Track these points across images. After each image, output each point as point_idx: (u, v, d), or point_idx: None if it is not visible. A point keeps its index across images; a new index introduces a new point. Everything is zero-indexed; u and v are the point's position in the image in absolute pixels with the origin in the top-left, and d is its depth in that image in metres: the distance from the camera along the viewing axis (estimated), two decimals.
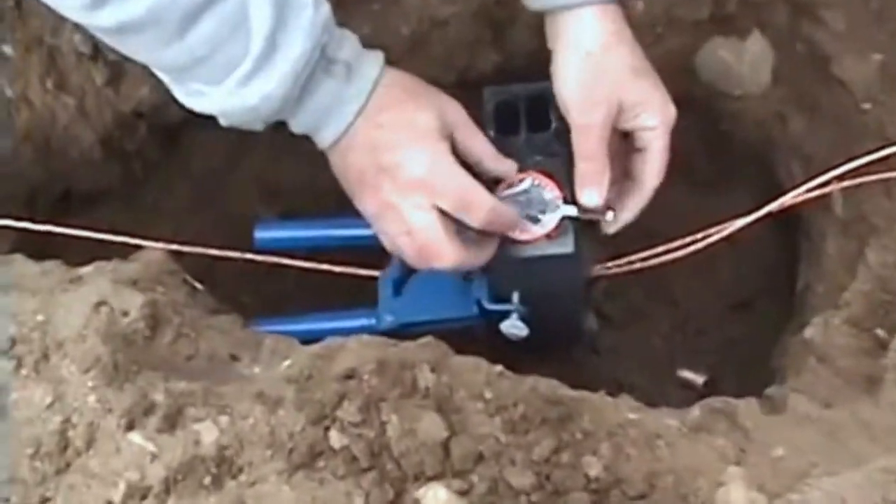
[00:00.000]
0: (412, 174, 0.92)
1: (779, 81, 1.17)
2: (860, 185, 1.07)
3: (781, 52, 1.16)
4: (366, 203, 0.96)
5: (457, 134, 0.96)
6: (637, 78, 0.98)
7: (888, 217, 1.06)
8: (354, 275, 1.20)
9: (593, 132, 0.97)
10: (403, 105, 0.93)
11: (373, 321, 1.12)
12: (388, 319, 1.11)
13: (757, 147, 1.22)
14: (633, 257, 1.14)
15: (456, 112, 0.96)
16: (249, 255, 1.18)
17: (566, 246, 1.01)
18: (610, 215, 1.03)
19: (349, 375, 0.90)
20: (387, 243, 0.99)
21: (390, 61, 1.17)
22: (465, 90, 1.21)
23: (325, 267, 1.18)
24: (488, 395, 0.90)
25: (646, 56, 1.00)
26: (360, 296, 1.17)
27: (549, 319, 1.08)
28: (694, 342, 1.30)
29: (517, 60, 1.19)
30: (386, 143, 0.92)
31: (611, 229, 1.05)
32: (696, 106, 1.23)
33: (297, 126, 0.93)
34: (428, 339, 0.95)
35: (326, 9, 0.89)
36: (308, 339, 1.09)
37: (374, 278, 1.15)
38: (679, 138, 1.13)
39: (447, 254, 0.95)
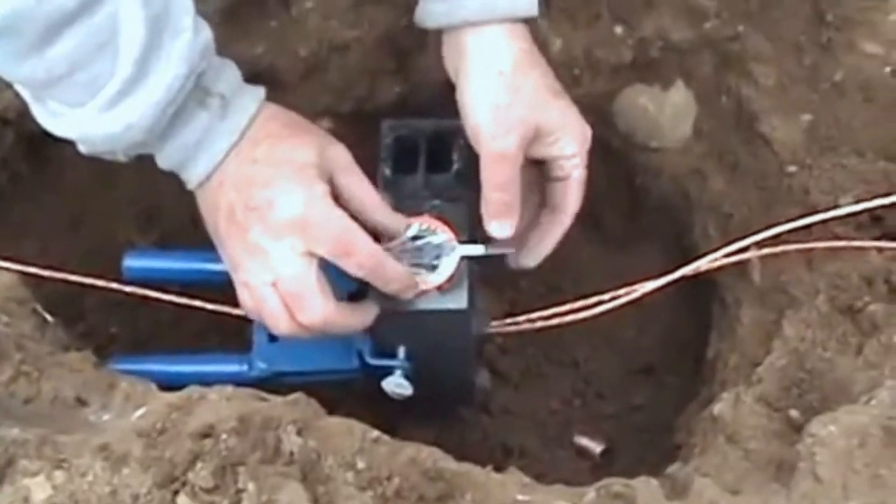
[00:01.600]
0: (286, 214, 0.82)
1: (700, 136, 1.10)
2: (780, 253, 1.00)
3: (705, 105, 1.09)
4: (231, 246, 0.85)
5: (340, 178, 0.86)
6: (555, 99, 0.90)
7: (808, 290, 0.98)
8: (229, 314, 1.09)
9: (507, 159, 0.88)
10: (281, 139, 0.84)
11: (245, 367, 1.01)
12: (261, 367, 1.01)
13: (672, 204, 1.14)
14: (534, 315, 1.06)
15: (339, 154, 0.87)
16: (115, 285, 1.06)
17: (459, 301, 0.92)
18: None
19: (206, 433, 0.80)
20: (246, 301, 0.88)
21: (284, 85, 1.08)
22: (362, 122, 1.12)
23: (196, 304, 1.07)
24: (360, 464, 0.80)
25: None
26: (236, 338, 1.06)
27: (438, 377, 0.99)
28: (593, 407, 1.21)
29: (422, 93, 1.09)
30: (259, 179, 0.82)
31: (530, 262, 0.98)
32: (611, 156, 1.15)
33: (163, 160, 0.83)
34: (297, 395, 0.86)
35: (207, 35, 0.80)
36: (172, 383, 1.01)
37: (251, 321, 1.04)
38: (590, 190, 1.06)
39: (316, 307, 0.84)
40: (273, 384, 1.02)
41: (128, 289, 1.07)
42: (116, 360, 1.03)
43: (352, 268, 0.84)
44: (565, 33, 1.06)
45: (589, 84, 1.09)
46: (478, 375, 1.19)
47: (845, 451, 0.82)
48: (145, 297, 1.07)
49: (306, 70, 1.07)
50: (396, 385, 0.95)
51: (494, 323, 1.07)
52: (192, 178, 0.84)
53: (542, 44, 1.04)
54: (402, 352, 0.95)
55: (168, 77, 0.76)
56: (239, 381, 1.00)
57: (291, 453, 0.79)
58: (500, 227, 0.90)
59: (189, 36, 0.77)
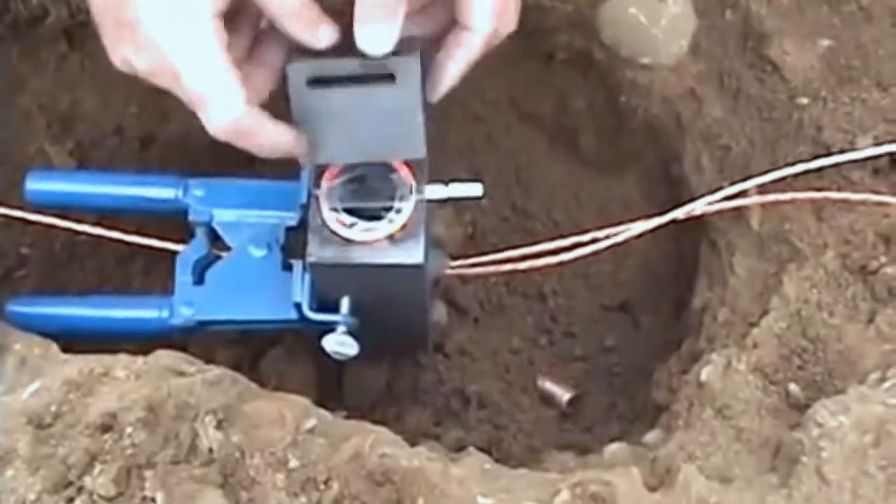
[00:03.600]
0: (154, 36, 0.68)
1: (698, 54, 0.94)
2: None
3: (706, 18, 0.93)
4: (111, 52, 0.73)
5: None
6: None
7: (815, 242, 0.86)
8: (148, 247, 0.95)
9: None
10: None
11: (165, 314, 0.87)
12: (183, 314, 0.87)
13: (661, 127, 1.00)
14: (500, 256, 0.92)
15: None
16: (13, 212, 0.92)
17: (414, 254, 0.78)
18: None
19: (107, 426, 0.68)
20: None
21: None
22: None
23: (109, 234, 0.93)
24: (293, 461, 0.69)
25: None
26: (165, 260, 0.93)
27: (387, 330, 0.87)
28: (560, 346, 1.09)
29: None
30: None
31: (430, 96, 0.75)
32: (592, 70, 1.00)
33: None
34: (219, 373, 0.73)
35: None
36: (81, 331, 0.89)
37: (174, 254, 0.90)
38: (567, 105, 0.91)
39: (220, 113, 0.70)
40: (198, 333, 0.89)
41: (31, 217, 0.92)
42: (19, 302, 0.89)
43: (207, 122, 0.70)
44: None
45: None
46: (433, 310, 1.06)
47: (857, 449, 0.72)
48: (52, 226, 0.93)
49: None
50: (339, 343, 0.82)
51: (455, 263, 0.94)
52: None
53: None
54: (345, 305, 0.82)
55: None
56: (158, 330, 0.88)
57: (210, 450, 0.68)
58: (371, 36, 0.69)
59: None
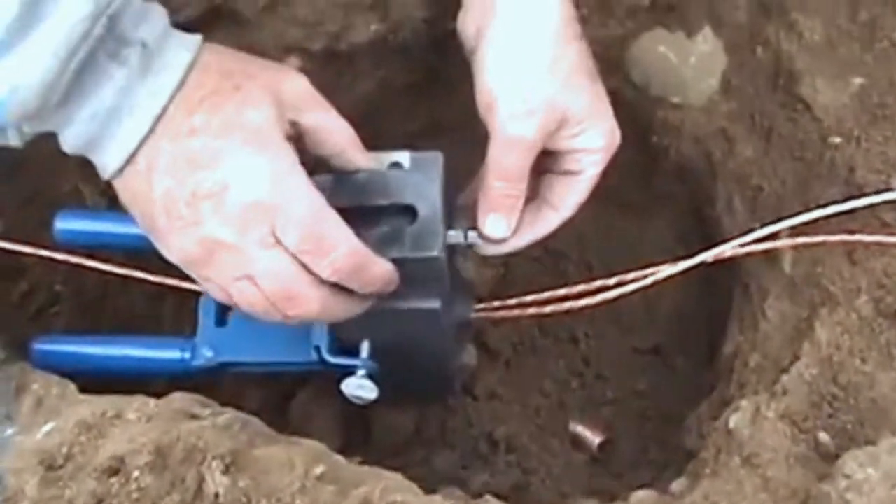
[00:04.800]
0: (248, 197, 0.65)
1: (729, 93, 0.93)
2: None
3: (737, 56, 0.91)
4: (178, 245, 0.68)
5: (303, 118, 0.70)
6: (591, 83, 0.75)
7: (848, 287, 0.83)
8: (176, 288, 0.95)
9: (523, 146, 0.73)
10: (224, 97, 0.65)
11: (187, 355, 0.87)
12: (206, 355, 0.87)
13: (693, 168, 0.98)
14: (528, 299, 0.91)
15: (298, 89, 0.70)
16: (45, 252, 0.92)
17: (431, 299, 0.77)
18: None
19: (115, 469, 0.67)
20: (216, 293, 0.72)
21: (244, 20, 0.91)
22: (335, 62, 0.96)
23: (135, 274, 0.93)
24: None
25: None
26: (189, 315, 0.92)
27: (409, 374, 0.86)
28: (592, 390, 1.07)
29: (403, 33, 0.92)
30: (204, 157, 0.64)
31: (490, 250, 0.80)
32: (624, 109, 0.97)
33: (69, 140, 0.65)
34: (230, 417, 0.72)
35: None
36: (105, 370, 0.89)
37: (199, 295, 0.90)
38: None
39: (310, 301, 0.69)
40: (220, 374, 0.89)
41: (59, 256, 0.93)
42: (45, 341, 0.90)
43: (324, 269, 0.68)
44: None
45: (599, 27, 0.91)
46: (463, 352, 1.05)
47: (885, 502, 0.69)
48: (80, 266, 0.93)
49: (266, 4, 0.90)
50: (358, 387, 0.81)
51: (480, 306, 0.92)
52: (107, 162, 0.65)
53: None
54: (365, 348, 0.82)
55: (67, 19, 0.58)
56: (181, 371, 0.88)
57: (216, 495, 0.67)
58: (495, 223, 0.76)
59: None
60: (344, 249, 0.68)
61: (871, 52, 0.84)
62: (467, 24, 0.75)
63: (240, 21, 0.92)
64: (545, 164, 0.77)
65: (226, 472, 0.66)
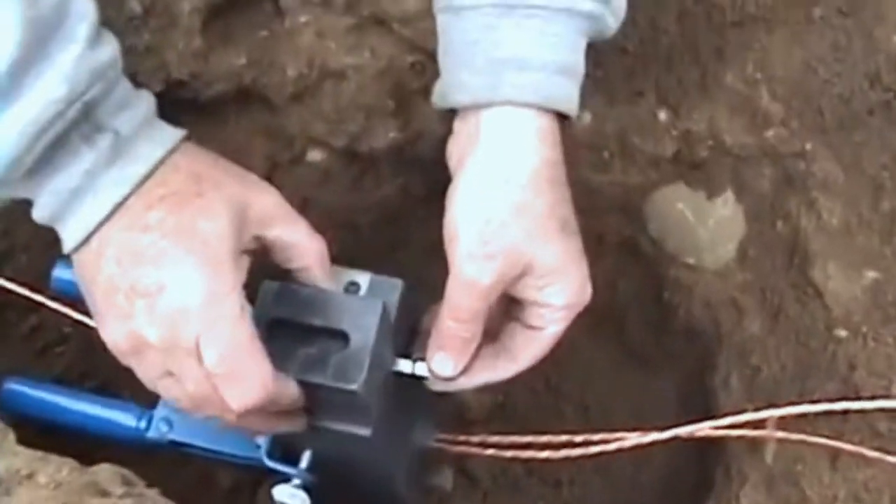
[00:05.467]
0: (178, 305, 0.64)
1: (744, 263, 0.88)
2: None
3: (756, 226, 0.87)
4: (112, 332, 0.67)
5: (269, 232, 0.69)
6: (561, 236, 0.69)
7: (824, 493, 0.77)
8: None
9: (476, 291, 0.68)
10: (184, 201, 0.65)
11: (143, 424, 0.86)
12: (161, 430, 0.86)
13: (701, 332, 0.93)
14: (491, 439, 0.87)
15: (266, 205, 0.69)
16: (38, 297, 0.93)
17: (364, 425, 0.74)
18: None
19: None
20: (146, 383, 0.71)
21: (272, 105, 0.92)
22: (356, 162, 0.96)
23: None
24: None
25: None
26: None
27: (356, 497, 0.83)
28: None
29: (420, 145, 0.91)
30: (148, 255, 0.64)
31: (440, 387, 0.76)
32: (640, 261, 0.95)
33: (38, 210, 0.65)
34: (135, 500, 0.71)
35: (109, 53, 0.63)
36: (63, 421, 0.89)
37: None
38: (616, 291, 0.87)
39: (229, 413, 0.67)
40: (171, 452, 0.88)
41: (52, 305, 0.93)
42: (14, 381, 0.91)
43: (231, 399, 0.65)
44: (597, 107, 0.86)
45: (620, 173, 0.88)
46: (432, 475, 1.02)
47: None
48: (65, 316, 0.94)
49: (295, 92, 0.90)
50: (290, 496, 0.78)
51: (441, 437, 0.89)
52: (66, 238, 0.66)
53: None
54: (306, 459, 0.79)
55: (41, 100, 0.59)
56: (134, 440, 0.87)
57: None
58: (442, 362, 0.73)
59: (79, 50, 0.60)
60: (255, 384, 0.65)
61: (889, 246, 0.79)
62: (452, 151, 0.72)
63: (269, 106, 0.93)
64: (510, 310, 0.73)
65: None
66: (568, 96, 0.69)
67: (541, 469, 1.03)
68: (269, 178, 0.99)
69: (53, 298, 0.93)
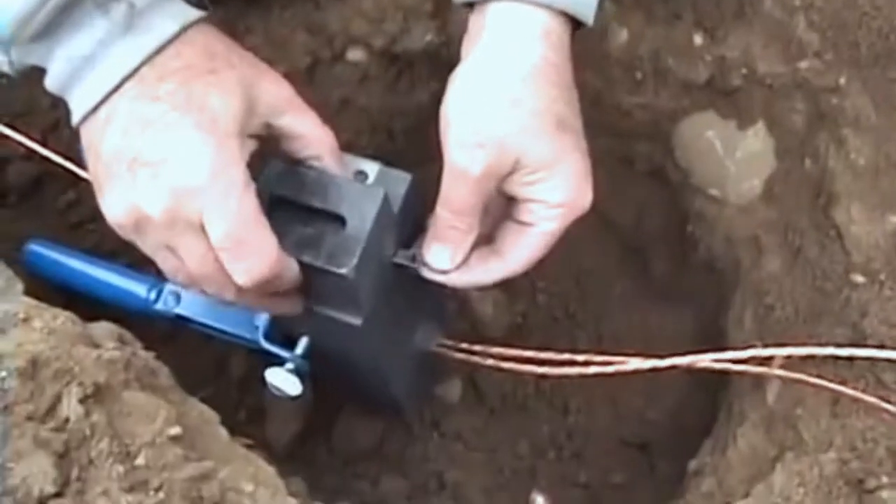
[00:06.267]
0: (180, 177, 0.63)
1: (770, 200, 0.86)
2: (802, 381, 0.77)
3: (785, 162, 0.84)
4: (112, 204, 0.67)
5: (278, 120, 0.68)
6: (557, 132, 0.66)
7: (820, 438, 0.75)
8: None
9: (466, 180, 0.67)
10: (196, 75, 0.64)
11: (153, 295, 0.88)
12: (168, 302, 0.87)
13: (721, 270, 0.91)
14: (505, 351, 0.86)
15: (275, 91, 0.68)
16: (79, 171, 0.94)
17: (353, 316, 0.74)
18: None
19: None
20: (147, 253, 0.70)
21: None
22: (394, 63, 0.95)
23: None
24: (139, 460, 0.68)
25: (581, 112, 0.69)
26: None
27: (350, 386, 0.84)
28: (567, 467, 1.01)
29: (456, 49, 0.90)
30: (157, 125, 0.63)
31: (444, 280, 0.74)
32: (666, 190, 0.93)
33: (51, 79, 0.65)
34: (122, 354, 0.72)
35: None
36: (79, 285, 0.92)
37: None
38: (644, 221, 0.86)
39: (228, 288, 0.68)
40: (176, 325, 0.90)
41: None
42: (38, 243, 0.93)
43: (237, 273, 0.65)
44: (634, 26, 0.84)
45: (651, 95, 0.86)
46: (447, 385, 1.02)
47: None
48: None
49: None
50: (282, 379, 0.79)
51: (444, 341, 0.88)
52: (75, 107, 0.65)
53: (602, 32, 0.84)
54: (302, 344, 0.80)
55: None
56: (142, 310, 0.89)
57: (66, 420, 0.66)
58: (437, 253, 0.72)
59: None
60: (262, 259, 0.65)
61: None
62: (463, 48, 0.71)
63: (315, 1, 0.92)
64: (505, 209, 0.72)
65: (83, 401, 0.66)
66: (582, 0, 0.67)
67: (551, 393, 1.03)
68: (309, 74, 1.01)
69: None
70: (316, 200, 0.70)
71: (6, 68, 0.66)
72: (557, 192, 0.68)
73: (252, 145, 0.68)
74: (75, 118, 0.66)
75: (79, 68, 0.64)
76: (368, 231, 0.69)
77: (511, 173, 0.67)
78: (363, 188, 0.72)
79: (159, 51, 0.64)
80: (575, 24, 0.68)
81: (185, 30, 0.65)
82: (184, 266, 0.68)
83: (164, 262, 0.69)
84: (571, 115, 0.68)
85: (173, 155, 0.63)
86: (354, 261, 0.68)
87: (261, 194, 0.68)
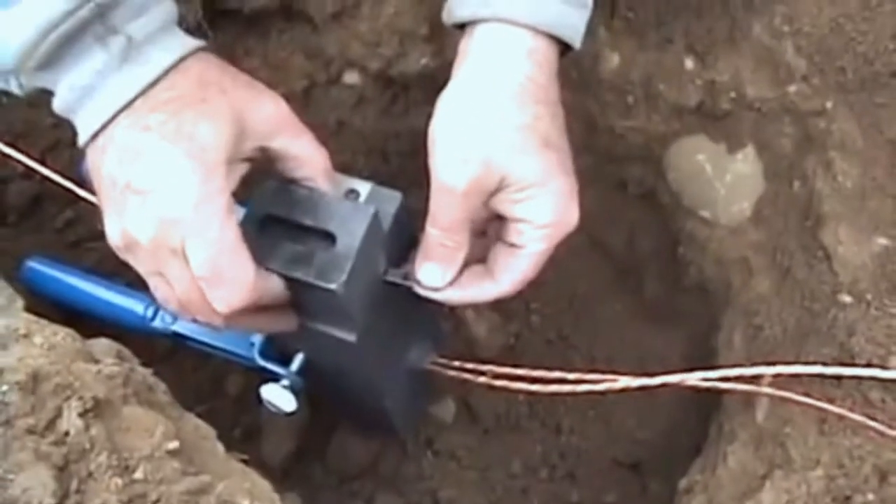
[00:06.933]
0: (166, 207, 0.65)
1: (759, 222, 0.87)
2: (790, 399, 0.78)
3: (774, 184, 0.86)
4: (110, 227, 0.69)
5: (273, 144, 0.70)
6: (542, 150, 0.68)
7: (808, 455, 0.76)
8: None
9: (452, 197, 0.68)
10: (187, 105, 0.66)
11: (149, 314, 0.89)
12: (165, 320, 0.88)
13: (712, 291, 0.93)
14: (496, 369, 0.87)
15: (269, 115, 0.70)
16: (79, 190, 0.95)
17: (347, 332, 0.75)
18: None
19: None
20: (139, 271, 0.73)
21: (313, 24, 0.93)
22: (389, 86, 0.97)
23: None
24: (138, 474, 0.68)
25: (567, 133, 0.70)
26: None
27: (345, 404, 0.84)
28: (559, 486, 1.02)
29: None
30: (146, 156, 0.65)
31: (437, 297, 0.75)
32: (657, 213, 0.94)
33: (57, 103, 0.68)
34: (121, 370, 0.73)
35: None
36: (76, 302, 0.93)
37: None
38: (636, 243, 0.87)
39: (214, 316, 0.69)
40: (174, 342, 0.91)
41: (93, 199, 0.95)
42: (36, 259, 0.94)
43: (216, 301, 0.67)
44: (626, 51, 0.85)
45: (643, 119, 0.88)
46: (441, 405, 1.03)
47: None
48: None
49: (335, 12, 0.91)
50: (276, 396, 0.80)
51: (439, 360, 0.90)
52: (79, 132, 0.68)
53: (594, 57, 0.85)
54: (297, 361, 0.81)
55: None
56: (139, 327, 0.90)
57: (66, 433, 0.67)
58: (428, 271, 0.73)
59: None
60: (237, 287, 0.67)
61: None
62: (453, 69, 0.72)
63: (311, 24, 0.94)
64: (495, 229, 0.73)
65: (83, 415, 0.67)
66: (567, 23, 0.69)
67: (544, 413, 1.04)
68: (306, 97, 1.02)
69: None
70: (307, 218, 0.71)
71: (17, 91, 0.68)
72: (544, 211, 0.69)
73: (243, 169, 0.70)
74: (80, 142, 0.69)
75: (80, 97, 0.67)
76: (358, 248, 0.70)
77: (498, 191, 0.68)
78: (353, 206, 0.73)
79: (154, 83, 0.66)
80: (562, 46, 0.69)
81: (181, 60, 0.67)
82: (173, 292, 0.70)
83: (156, 288, 0.71)
84: (557, 134, 0.69)
85: (161, 184, 0.65)
86: (344, 277, 0.69)
87: (254, 213, 0.70)
